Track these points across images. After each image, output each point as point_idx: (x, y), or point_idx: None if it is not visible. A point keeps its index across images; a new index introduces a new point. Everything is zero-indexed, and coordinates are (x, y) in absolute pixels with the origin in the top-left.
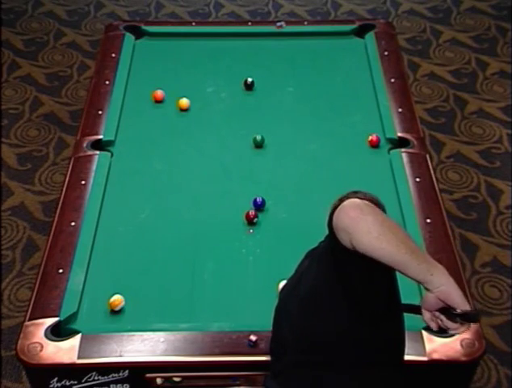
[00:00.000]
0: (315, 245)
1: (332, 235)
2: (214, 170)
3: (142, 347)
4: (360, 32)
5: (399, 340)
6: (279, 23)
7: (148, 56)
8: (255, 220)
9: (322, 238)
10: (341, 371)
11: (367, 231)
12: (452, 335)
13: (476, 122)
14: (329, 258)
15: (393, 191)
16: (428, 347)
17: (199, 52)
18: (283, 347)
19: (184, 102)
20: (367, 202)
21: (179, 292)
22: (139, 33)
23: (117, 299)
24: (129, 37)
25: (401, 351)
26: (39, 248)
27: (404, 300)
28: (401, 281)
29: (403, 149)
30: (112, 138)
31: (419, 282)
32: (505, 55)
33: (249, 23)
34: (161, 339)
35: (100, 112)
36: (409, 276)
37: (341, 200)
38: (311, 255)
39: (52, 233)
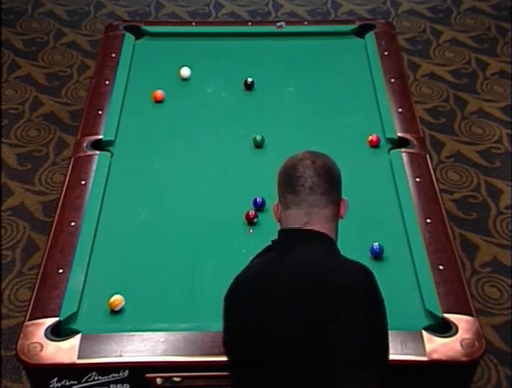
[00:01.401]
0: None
1: None
2: (214, 170)
3: (142, 347)
4: (360, 32)
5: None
6: (278, 23)
7: (148, 56)
8: (255, 220)
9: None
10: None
11: None
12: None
13: (476, 122)
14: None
15: (393, 191)
16: (428, 347)
17: (199, 52)
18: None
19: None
20: None
21: (179, 292)
22: (139, 33)
23: (117, 299)
24: (129, 37)
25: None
26: (39, 248)
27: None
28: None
29: (403, 149)
30: (112, 138)
31: None
32: (505, 55)
33: (249, 23)
34: (161, 339)
35: (100, 112)
36: None
37: None
38: (269, 256)
39: (52, 233)
